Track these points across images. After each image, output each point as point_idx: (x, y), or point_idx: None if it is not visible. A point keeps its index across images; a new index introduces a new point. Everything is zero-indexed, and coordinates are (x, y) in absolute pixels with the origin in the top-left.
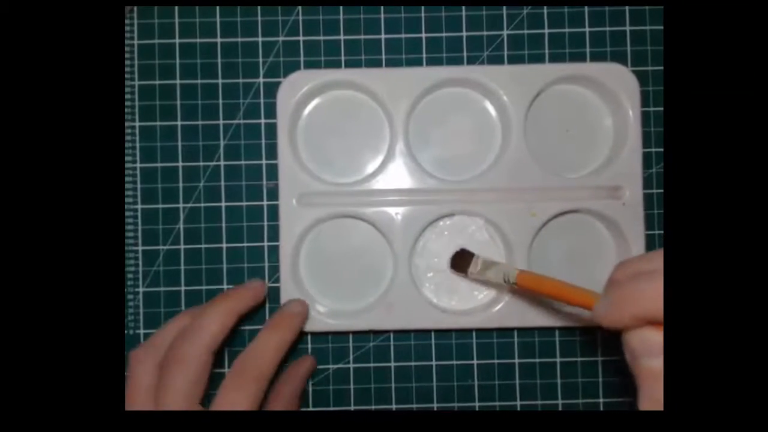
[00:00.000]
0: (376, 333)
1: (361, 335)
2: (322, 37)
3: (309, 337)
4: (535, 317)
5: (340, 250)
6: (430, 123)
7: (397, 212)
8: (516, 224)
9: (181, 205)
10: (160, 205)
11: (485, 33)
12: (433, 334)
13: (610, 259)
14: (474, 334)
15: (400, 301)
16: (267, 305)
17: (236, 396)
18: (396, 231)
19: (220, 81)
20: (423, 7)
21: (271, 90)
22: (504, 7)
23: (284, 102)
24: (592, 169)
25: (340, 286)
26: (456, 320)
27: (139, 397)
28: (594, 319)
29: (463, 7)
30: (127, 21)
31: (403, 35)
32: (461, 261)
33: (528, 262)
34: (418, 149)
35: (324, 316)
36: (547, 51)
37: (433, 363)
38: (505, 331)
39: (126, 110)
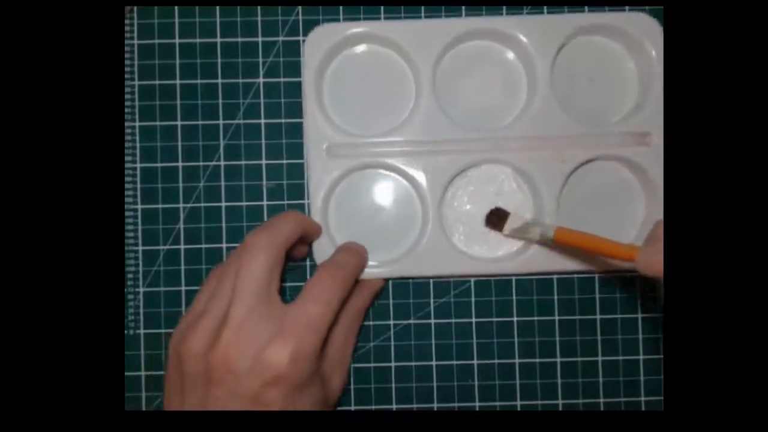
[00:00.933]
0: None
1: (360, 336)
2: None
3: None
4: (566, 261)
5: (368, 202)
6: (456, 74)
7: (425, 163)
8: (544, 172)
9: (181, 205)
10: (160, 205)
11: None
12: (433, 334)
13: (638, 205)
14: (474, 333)
15: (430, 251)
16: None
17: (330, 284)
18: (425, 181)
19: (220, 81)
20: (423, 8)
21: (272, 90)
22: (504, 7)
23: (310, 57)
24: (620, 117)
25: (370, 238)
26: (488, 266)
27: (220, 282)
28: (637, 268)
29: (463, 8)
30: (127, 21)
31: None
32: (497, 219)
33: (557, 210)
34: (444, 100)
35: None
36: None
37: (433, 363)
38: (505, 331)
39: (126, 110)
